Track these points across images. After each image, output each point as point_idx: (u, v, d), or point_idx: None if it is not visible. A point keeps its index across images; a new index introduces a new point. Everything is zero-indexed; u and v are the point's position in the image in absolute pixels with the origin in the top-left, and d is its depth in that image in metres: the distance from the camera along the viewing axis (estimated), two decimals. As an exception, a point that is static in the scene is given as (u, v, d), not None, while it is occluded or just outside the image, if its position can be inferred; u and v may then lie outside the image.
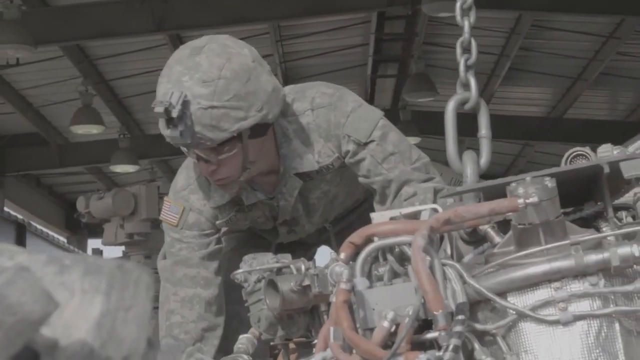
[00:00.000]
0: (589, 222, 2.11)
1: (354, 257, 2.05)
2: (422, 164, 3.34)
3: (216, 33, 12.63)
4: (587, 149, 2.54)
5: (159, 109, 2.95)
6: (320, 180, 3.39)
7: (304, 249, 3.80)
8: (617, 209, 2.13)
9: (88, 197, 8.62)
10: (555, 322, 1.88)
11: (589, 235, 1.92)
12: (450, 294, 1.89)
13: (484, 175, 2.41)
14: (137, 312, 1.29)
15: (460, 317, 1.84)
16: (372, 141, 3.28)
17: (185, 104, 2.97)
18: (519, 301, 1.91)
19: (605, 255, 1.86)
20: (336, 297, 1.92)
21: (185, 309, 3.38)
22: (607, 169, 2.01)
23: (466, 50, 2.54)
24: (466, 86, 2.53)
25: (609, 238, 1.97)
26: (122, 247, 9.24)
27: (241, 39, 12.94)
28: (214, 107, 3.01)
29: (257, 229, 3.65)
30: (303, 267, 2.37)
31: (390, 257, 2.02)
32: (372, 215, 2.18)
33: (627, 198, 2.19)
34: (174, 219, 3.41)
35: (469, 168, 2.39)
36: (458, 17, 2.54)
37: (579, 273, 1.88)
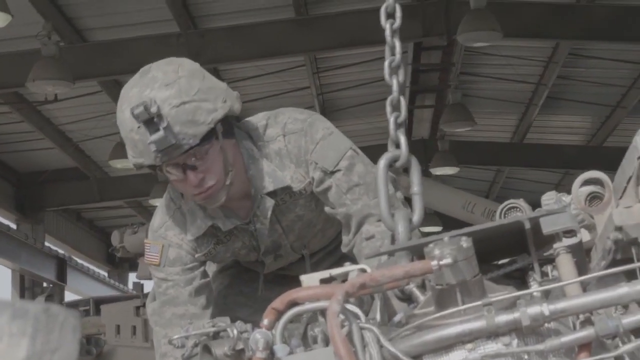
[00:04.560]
0: (524, 275, 2.13)
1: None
2: (406, 210, 3.29)
3: (252, 66, 12.62)
4: (520, 201, 2.59)
5: (139, 110, 2.98)
6: (294, 205, 3.38)
7: (290, 281, 3.76)
8: (547, 262, 2.13)
9: (122, 231, 8.63)
10: None
11: (502, 296, 1.92)
12: (368, 358, 1.90)
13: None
14: (62, 354, 1.33)
15: None
16: (338, 170, 3.27)
17: (158, 108, 3.01)
18: None
19: (516, 315, 1.85)
20: None
21: (177, 351, 3.37)
22: (528, 225, 2.02)
23: (395, 108, 2.54)
24: (397, 144, 2.56)
25: (534, 294, 1.97)
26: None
27: (278, 71, 12.91)
28: (185, 102, 3.05)
29: (244, 262, 3.64)
30: (236, 331, 2.36)
31: (321, 319, 2.03)
32: (302, 277, 2.20)
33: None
34: (155, 259, 3.41)
35: (400, 226, 2.41)
36: (387, 77, 2.56)
37: (492, 333, 1.87)
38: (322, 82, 16.25)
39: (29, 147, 17.56)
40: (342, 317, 1.91)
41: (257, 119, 3.36)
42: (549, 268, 2.11)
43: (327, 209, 3.35)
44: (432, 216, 20.59)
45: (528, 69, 16.12)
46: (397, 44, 2.57)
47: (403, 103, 2.54)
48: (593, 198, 2.31)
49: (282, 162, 3.30)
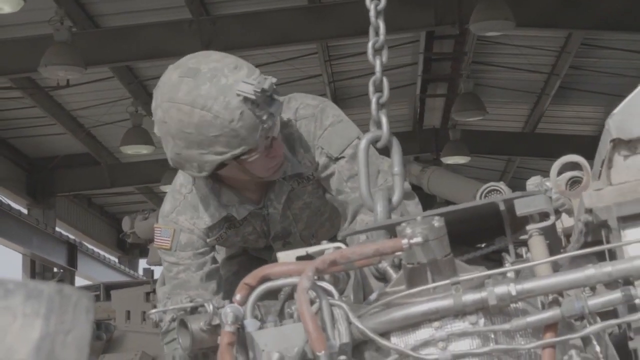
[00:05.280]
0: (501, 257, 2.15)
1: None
2: (386, 188, 3.30)
3: (264, 53, 12.55)
4: (501, 184, 2.58)
5: (268, 83, 2.96)
6: (302, 191, 3.41)
7: None
8: (524, 244, 2.14)
9: (133, 217, 8.65)
10: None
11: (470, 275, 1.94)
12: (337, 334, 1.92)
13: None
14: (76, 335, 1.34)
15: (341, 357, 1.89)
16: (342, 157, 3.30)
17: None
18: (402, 341, 1.93)
19: (483, 294, 1.87)
20: (221, 339, 1.96)
21: None
22: (502, 206, 2.04)
23: (378, 89, 2.57)
24: (379, 124, 2.59)
25: (508, 274, 1.98)
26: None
27: (290, 59, 12.88)
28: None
29: (252, 249, 3.66)
30: (212, 307, 2.37)
31: (296, 296, 2.04)
32: (279, 254, 2.21)
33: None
34: (167, 243, 3.41)
35: (379, 205, 2.44)
36: (370, 57, 2.59)
37: (459, 312, 1.90)
38: (333, 70, 16.25)
39: (40, 133, 17.61)
40: (314, 294, 1.92)
41: None
42: (524, 250, 2.13)
43: (327, 195, 3.38)
44: (442, 205, 20.59)
45: (540, 58, 16.09)
46: (382, 25, 2.60)
47: (386, 84, 2.57)
48: (574, 182, 2.32)
49: (293, 146, 3.32)
